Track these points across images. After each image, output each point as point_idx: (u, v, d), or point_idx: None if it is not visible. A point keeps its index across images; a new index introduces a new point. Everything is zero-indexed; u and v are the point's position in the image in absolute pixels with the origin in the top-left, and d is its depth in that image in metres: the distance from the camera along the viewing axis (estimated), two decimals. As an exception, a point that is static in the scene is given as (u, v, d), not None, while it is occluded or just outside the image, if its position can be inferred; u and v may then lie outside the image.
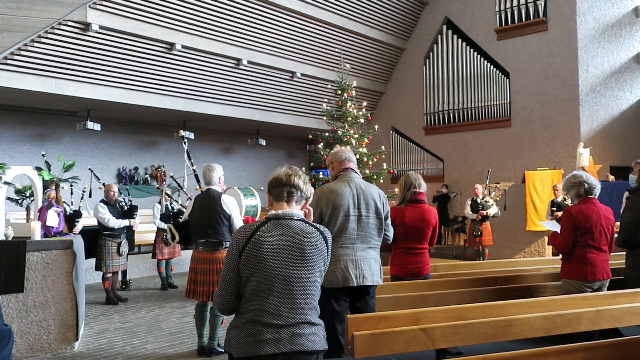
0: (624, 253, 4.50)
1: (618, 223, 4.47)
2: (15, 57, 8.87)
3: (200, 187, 5.26)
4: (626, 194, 7.72)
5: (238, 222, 4.90)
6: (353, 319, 2.92)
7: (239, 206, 7.53)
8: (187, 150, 6.23)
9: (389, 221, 3.66)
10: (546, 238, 9.85)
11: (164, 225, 7.12)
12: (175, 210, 7.51)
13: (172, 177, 8.81)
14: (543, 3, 12.36)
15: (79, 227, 6.73)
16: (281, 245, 2.16)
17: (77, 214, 6.80)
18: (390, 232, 3.72)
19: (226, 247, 4.85)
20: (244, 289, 2.18)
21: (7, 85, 9.05)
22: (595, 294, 3.78)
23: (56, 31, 8.99)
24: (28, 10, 8.54)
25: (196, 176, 5.77)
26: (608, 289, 4.06)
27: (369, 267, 3.45)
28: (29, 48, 8.91)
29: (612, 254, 4.22)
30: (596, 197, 4.08)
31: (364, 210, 3.46)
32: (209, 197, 4.86)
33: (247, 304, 2.17)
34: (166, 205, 8.27)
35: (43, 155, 7.33)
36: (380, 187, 3.83)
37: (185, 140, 6.21)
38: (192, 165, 6.00)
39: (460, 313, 3.17)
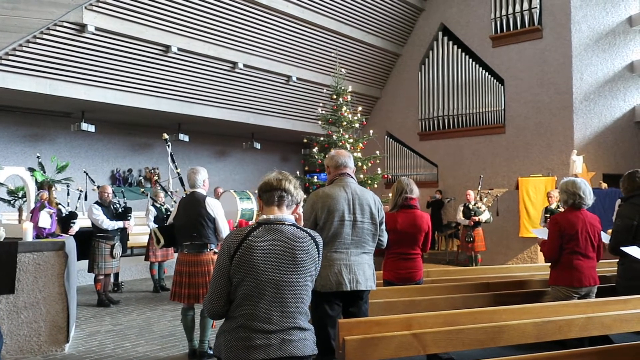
0: (613, 260, 4.53)
1: (610, 231, 4.51)
2: (10, 58, 8.84)
3: (185, 190, 5.26)
4: (618, 201, 7.79)
5: (223, 224, 4.91)
6: (344, 324, 2.92)
7: (235, 209, 7.56)
8: (170, 153, 6.23)
9: (383, 227, 3.66)
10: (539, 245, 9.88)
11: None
12: (169, 213, 7.50)
13: (158, 182, 8.77)
14: (538, 11, 12.45)
15: (75, 228, 6.70)
16: (273, 250, 2.16)
17: (72, 215, 6.77)
18: (384, 238, 3.72)
19: (211, 249, 4.88)
20: (234, 294, 2.17)
21: (2, 86, 9.00)
22: (586, 300, 3.80)
23: (52, 32, 8.97)
24: (24, 11, 8.53)
25: (180, 179, 5.77)
26: (598, 296, 4.08)
27: (362, 272, 3.45)
28: (24, 48, 8.88)
29: (600, 261, 4.25)
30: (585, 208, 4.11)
31: (359, 215, 3.46)
32: (194, 200, 4.86)
33: (238, 309, 2.16)
34: (159, 207, 8.26)
35: (38, 157, 7.30)
36: (374, 192, 3.83)
37: (169, 143, 6.19)
38: (177, 169, 5.99)
39: (452, 319, 3.18)
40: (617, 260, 4.36)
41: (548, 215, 8.33)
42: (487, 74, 13.52)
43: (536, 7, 12.41)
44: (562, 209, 7.72)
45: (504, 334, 3.12)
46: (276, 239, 2.18)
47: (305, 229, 2.31)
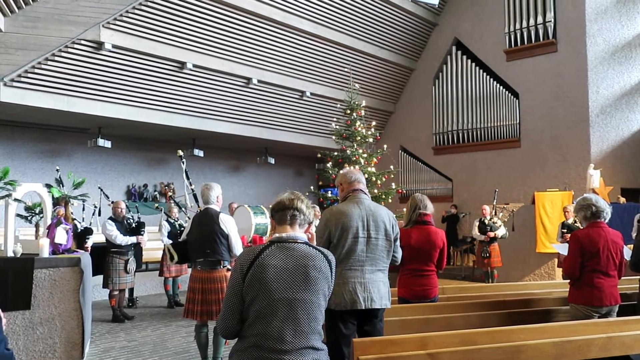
0: (635, 277, 4.42)
1: (630, 246, 4.40)
2: (29, 75, 9.01)
3: (199, 206, 5.27)
4: (637, 216, 7.65)
5: (236, 241, 4.89)
6: (359, 343, 2.88)
7: (249, 225, 7.56)
8: (185, 170, 6.28)
9: (398, 243, 3.62)
10: (556, 260, 9.73)
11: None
12: (182, 229, 7.52)
13: (172, 198, 8.80)
14: (552, 25, 12.40)
15: (89, 243, 6.75)
16: (285, 268, 2.14)
17: (88, 231, 6.83)
18: (399, 254, 3.67)
19: (224, 266, 4.85)
20: (247, 313, 2.15)
21: (21, 103, 9.17)
22: (606, 320, 3.71)
23: (70, 50, 9.14)
24: (43, 30, 8.71)
25: (194, 196, 5.80)
26: (619, 315, 3.98)
27: (377, 290, 3.40)
28: (43, 66, 9.05)
29: (623, 278, 4.14)
30: (605, 221, 4.00)
31: (374, 232, 3.42)
32: (207, 216, 4.85)
33: (250, 328, 2.14)
34: (173, 222, 8.29)
35: (57, 170, 7.39)
36: (388, 207, 3.80)
37: (184, 160, 6.24)
38: (191, 185, 6.03)
39: (468, 338, 3.12)
40: (639, 277, 4.27)
41: (565, 230, 8.21)
42: (501, 87, 13.47)
43: (551, 21, 12.37)
44: (579, 225, 7.62)
45: (522, 354, 3.06)
46: (289, 257, 2.17)
47: (318, 247, 2.30)
